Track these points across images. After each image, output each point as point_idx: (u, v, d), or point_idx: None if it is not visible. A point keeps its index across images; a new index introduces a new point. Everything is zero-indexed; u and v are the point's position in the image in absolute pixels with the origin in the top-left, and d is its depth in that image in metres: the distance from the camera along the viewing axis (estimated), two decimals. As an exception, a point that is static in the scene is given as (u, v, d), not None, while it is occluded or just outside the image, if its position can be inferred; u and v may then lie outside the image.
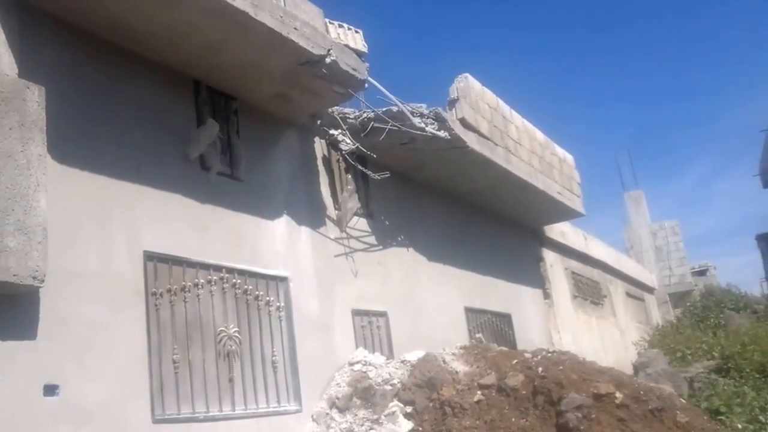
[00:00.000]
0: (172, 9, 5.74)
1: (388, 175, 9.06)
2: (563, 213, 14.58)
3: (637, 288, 24.56)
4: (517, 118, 12.29)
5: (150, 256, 5.95)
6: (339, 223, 8.70)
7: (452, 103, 10.18)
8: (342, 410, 7.21)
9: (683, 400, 8.42)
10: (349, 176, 9.00)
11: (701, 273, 35.40)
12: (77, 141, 5.59)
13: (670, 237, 31.54)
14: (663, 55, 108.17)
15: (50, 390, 4.85)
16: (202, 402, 6.11)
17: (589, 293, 18.07)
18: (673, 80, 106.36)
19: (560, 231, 16.50)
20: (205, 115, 6.94)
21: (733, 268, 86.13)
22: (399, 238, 9.88)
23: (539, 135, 13.21)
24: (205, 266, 6.52)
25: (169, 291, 6.08)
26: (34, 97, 4.90)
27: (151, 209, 6.09)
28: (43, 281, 4.68)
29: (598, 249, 19.63)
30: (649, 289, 27.05)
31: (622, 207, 33.73)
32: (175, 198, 6.39)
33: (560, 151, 14.26)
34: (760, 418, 9.81)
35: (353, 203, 8.82)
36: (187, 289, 6.26)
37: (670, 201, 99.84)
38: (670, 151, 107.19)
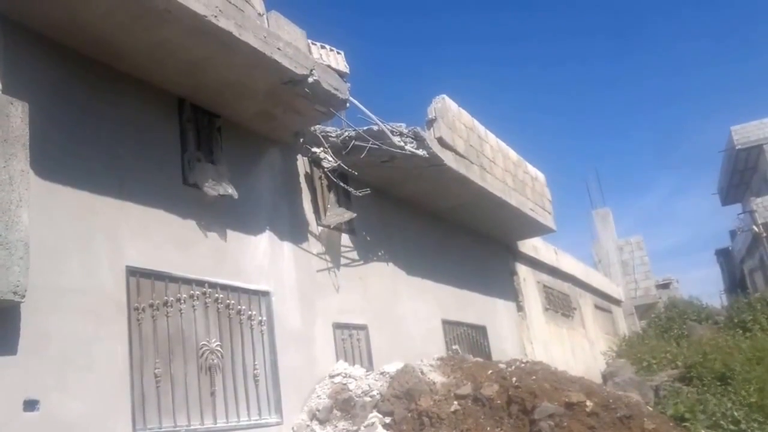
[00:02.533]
0: (157, 28, 5.57)
1: (369, 191, 9.01)
2: (535, 229, 14.59)
3: (605, 300, 24.66)
4: (492, 138, 12.28)
5: (132, 271, 5.73)
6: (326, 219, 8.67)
7: (430, 122, 10.14)
8: (322, 422, 7.03)
9: (650, 408, 8.44)
10: (331, 194, 8.89)
11: (665, 286, 35.70)
12: (61, 157, 5.38)
13: (636, 252, 31.88)
14: (627, 71, 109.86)
15: (30, 405, 4.61)
16: (184, 415, 5.89)
17: (559, 306, 18.08)
18: (637, 100, 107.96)
19: (533, 246, 16.51)
20: (189, 133, 6.77)
21: (695, 281, 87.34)
22: (379, 253, 9.75)
23: (513, 154, 13.22)
24: (188, 281, 6.31)
25: (151, 306, 5.86)
26: (18, 112, 4.69)
27: (134, 225, 5.88)
28: (24, 296, 4.46)
29: (568, 263, 19.69)
30: (617, 302, 27.20)
31: (590, 223, 34.17)
32: (158, 213, 6.18)
33: (532, 170, 14.28)
34: (722, 423, 9.86)
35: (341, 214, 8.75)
36: (169, 304, 6.04)
37: (635, 217, 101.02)
38: (636, 171, 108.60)
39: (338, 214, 8.71)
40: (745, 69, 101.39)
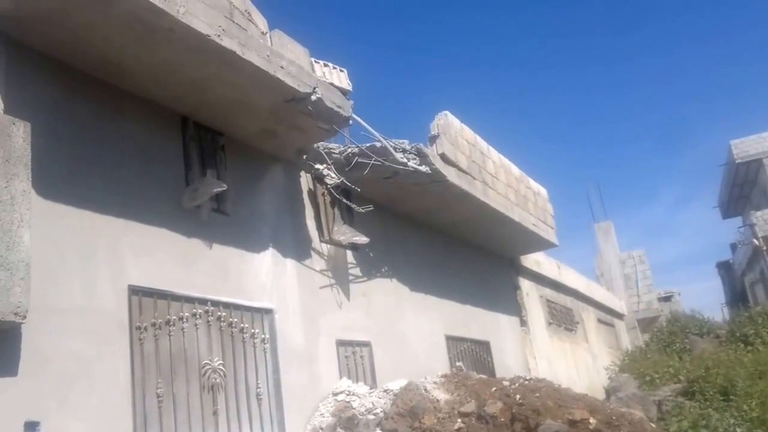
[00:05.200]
0: (160, 48, 5.52)
1: (372, 208, 8.96)
2: (538, 243, 14.53)
3: (607, 314, 24.54)
4: (494, 154, 12.26)
5: (135, 291, 5.64)
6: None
7: (433, 139, 10.12)
8: (326, 440, 6.92)
9: (653, 425, 8.33)
10: (334, 210, 8.80)
11: (667, 299, 35.63)
12: (63, 176, 5.31)
13: (638, 265, 31.81)
14: (630, 95, 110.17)
15: (31, 427, 4.51)
16: (186, 435, 5.80)
17: (562, 320, 17.98)
18: (639, 114, 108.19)
19: (535, 260, 16.44)
20: (192, 151, 6.72)
21: (696, 294, 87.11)
22: (382, 269, 9.67)
23: (515, 169, 13.19)
24: (190, 300, 6.22)
25: (153, 325, 5.76)
26: (20, 132, 4.63)
27: (137, 243, 5.80)
28: (25, 317, 4.38)
29: (570, 277, 19.61)
30: (619, 315, 27.08)
31: (592, 237, 34.14)
32: (161, 232, 6.10)
33: (535, 185, 14.25)
34: (724, 439, 9.81)
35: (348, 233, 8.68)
36: (171, 323, 5.94)
37: (637, 230, 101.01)
38: (637, 184, 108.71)
39: (350, 233, 8.62)
40: (746, 80, 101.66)
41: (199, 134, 6.91)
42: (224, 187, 6.58)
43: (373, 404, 7.32)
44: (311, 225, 8.45)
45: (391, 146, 8.58)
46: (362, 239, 8.68)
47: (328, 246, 8.65)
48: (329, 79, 7.81)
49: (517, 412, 7.14)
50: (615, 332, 25.36)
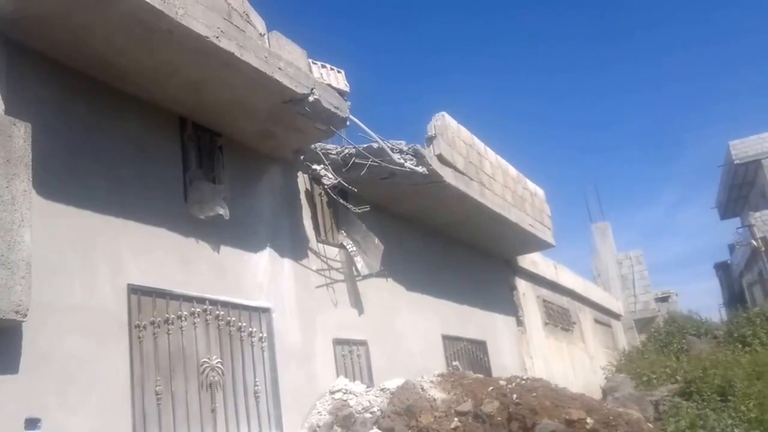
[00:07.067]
0: (160, 49, 5.61)
1: (368, 208, 9.02)
2: (535, 244, 14.60)
3: (604, 315, 24.61)
4: (491, 155, 12.32)
5: (134, 289, 5.73)
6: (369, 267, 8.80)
7: (430, 140, 10.19)
8: (323, 439, 6.99)
9: (650, 425, 8.38)
10: (331, 211, 8.87)
11: (664, 299, 35.66)
12: (63, 176, 5.39)
13: (635, 266, 31.91)
14: (629, 99, 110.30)
15: (32, 424, 4.60)
16: (185, 433, 5.87)
17: (559, 320, 18.05)
18: (639, 116, 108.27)
19: (532, 261, 16.50)
20: (191, 151, 6.79)
21: (694, 294, 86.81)
22: (379, 269, 9.73)
23: (512, 170, 13.26)
24: (189, 299, 6.30)
25: (152, 323, 5.85)
26: (20, 133, 4.71)
27: (136, 243, 5.88)
28: (26, 316, 4.46)
29: (567, 278, 19.68)
30: (616, 316, 27.14)
31: (589, 238, 34.19)
32: (160, 232, 6.18)
33: (532, 186, 14.32)
34: (721, 439, 9.84)
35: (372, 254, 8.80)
36: (170, 322, 6.03)
37: (636, 230, 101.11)
38: (635, 186, 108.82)
39: (375, 257, 8.73)
40: (744, 82, 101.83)
41: (198, 135, 6.99)
42: (226, 216, 6.70)
43: (369, 403, 7.37)
44: (308, 225, 8.53)
45: (388, 147, 8.65)
46: (376, 266, 8.79)
47: (324, 245, 8.73)
48: (327, 80, 7.88)
49: (513, 412, 7.18)
50: (612, 332, 25.45)
